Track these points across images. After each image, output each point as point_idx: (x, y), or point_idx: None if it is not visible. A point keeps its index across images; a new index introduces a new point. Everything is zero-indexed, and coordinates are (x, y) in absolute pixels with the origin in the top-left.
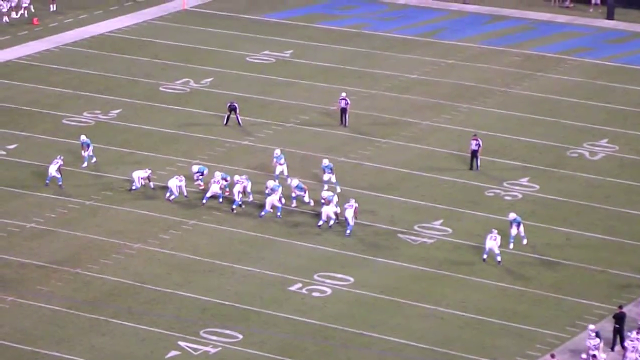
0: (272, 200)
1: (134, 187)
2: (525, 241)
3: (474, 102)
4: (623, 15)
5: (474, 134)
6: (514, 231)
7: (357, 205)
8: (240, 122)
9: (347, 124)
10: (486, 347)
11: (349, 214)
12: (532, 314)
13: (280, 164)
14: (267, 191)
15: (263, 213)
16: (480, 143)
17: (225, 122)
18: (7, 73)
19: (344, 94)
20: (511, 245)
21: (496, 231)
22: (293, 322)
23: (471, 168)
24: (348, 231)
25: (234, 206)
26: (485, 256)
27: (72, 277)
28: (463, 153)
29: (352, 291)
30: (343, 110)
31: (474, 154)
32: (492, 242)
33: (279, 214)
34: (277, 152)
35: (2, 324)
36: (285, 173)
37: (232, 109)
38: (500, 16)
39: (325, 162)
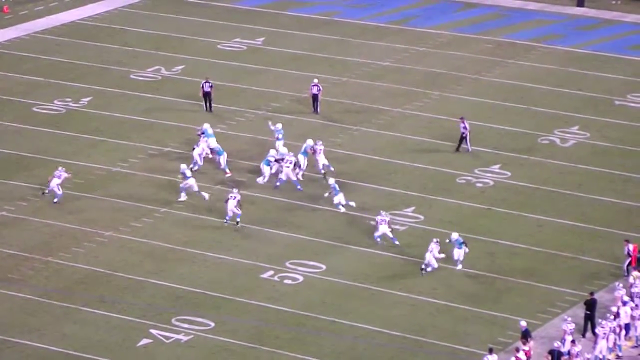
0: (287, 172)
1: (196, 168)
2: (459, 266)
3: (445, 89)
4: (593, 3)
5: (460, 117)
6: (456, 253)
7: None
8: (211, 108)
9: (319, 110)
10: (458, 334)
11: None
12: (504, 300)
13: (278, 139)
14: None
15: (278, 183)
16: (467, 126)
17: (205, 108)
18: None
19: (315, 80)
20: (459, 266)
21: (436, 239)
22: (265, 310)
23: (457, 150)
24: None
25: (227, 221)
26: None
27: (44, 265)
28: (435, 140)
29: (324, 279)
30: (315, 97)
31: (462, 136)
32: (435, 252)
33: (278, 183)
34: (279, 126)
35: None
36: (280, 150)
37: (206, 94)
38: (471, 3)
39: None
